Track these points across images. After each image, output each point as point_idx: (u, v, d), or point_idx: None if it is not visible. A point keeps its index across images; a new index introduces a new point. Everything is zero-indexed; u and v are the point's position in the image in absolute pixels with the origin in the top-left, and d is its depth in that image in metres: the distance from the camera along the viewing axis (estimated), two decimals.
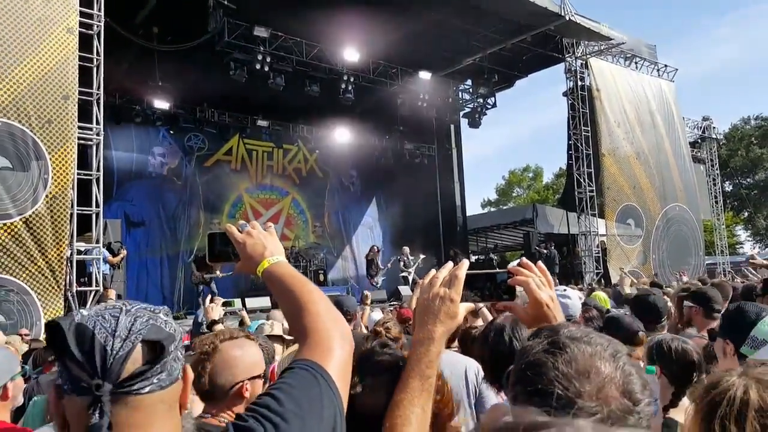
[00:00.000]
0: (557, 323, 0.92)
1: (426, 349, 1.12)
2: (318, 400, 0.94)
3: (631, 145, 15.67)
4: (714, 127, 21.64)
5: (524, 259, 1.29)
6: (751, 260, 4.79)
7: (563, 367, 0.80)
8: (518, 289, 1.27)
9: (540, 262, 1.29)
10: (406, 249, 13.93)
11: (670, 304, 3.91)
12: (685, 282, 8.52)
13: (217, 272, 11.86)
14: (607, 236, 14.95)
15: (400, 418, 1.04)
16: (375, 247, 14.44)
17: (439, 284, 1.19)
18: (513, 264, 1.32)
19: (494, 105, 17.10)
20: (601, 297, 5.65)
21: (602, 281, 14.16)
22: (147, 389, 0.80)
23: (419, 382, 1.09)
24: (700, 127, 20.96)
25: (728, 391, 1.06)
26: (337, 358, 1.03)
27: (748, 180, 36.07)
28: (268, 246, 1.26)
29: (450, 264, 1.24)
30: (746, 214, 36.49)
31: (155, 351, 0.82)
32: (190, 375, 0.91)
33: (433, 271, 1.24)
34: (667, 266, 15.96)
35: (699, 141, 21.14)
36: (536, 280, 1.23)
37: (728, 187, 34.12)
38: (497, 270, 1.30)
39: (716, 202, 20.95)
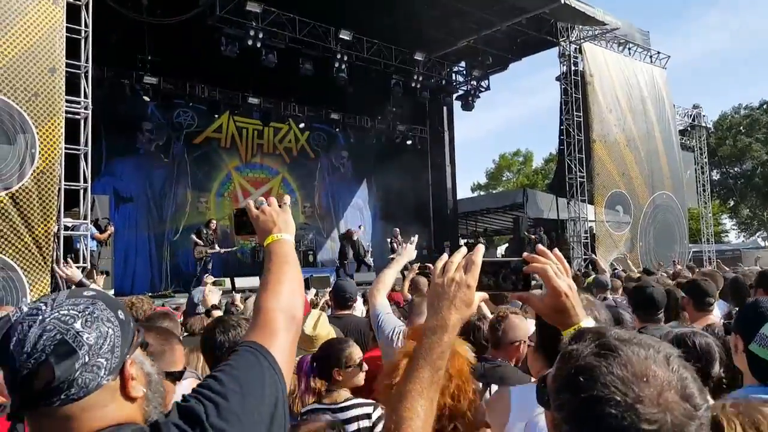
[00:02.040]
0: (599, 326, 0.86)
1: (439, 338, 1.05)
2: (259, 379, 0.99)
3: (621, 132, 15.72)
4: (704, 116, 21.75)
5: (540, 246, 1.23)
6: None
7: (619, 371, 0.73)
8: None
9: (556, 249, 1.23)
10: (397, 231, 13.93)
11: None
12: (678, 270, 8.62)
13: (218, 248, 11.85)
14: (596, 222, 15.07)
15: (408, 411, 0.99)
16: (350, 230, 14.28)
17: (454, 269, 1.11)
18: (527, 254, 1.23)
19: (488, 88, 17.04)
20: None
21: (590, 267, 14.32)
22: (57, 403, 0.87)
23: (430, 373, 1.03)
24: (690, 115, 21.06)
25: None
26: (281, 340, 1.09)
27: (736, 169, 36.46)
28: (277, 223, 1.36)
29: (464, 249, 1.17)
30: (732, 203, 36.97)
31: (59, 369, 0.86)
32: (130, 372, 0.95)
33: (445, 256, 1.16)
34: (653, 253, 16.16)
35: (689, 129, 21.25)
36: (554, 268, 1.15)
37: (716, 176, 34.48)
38: (512, 258, 1.22)
39: (704, 191, 21.18)
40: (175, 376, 1.61)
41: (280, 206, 1.41)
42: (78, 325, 0.89)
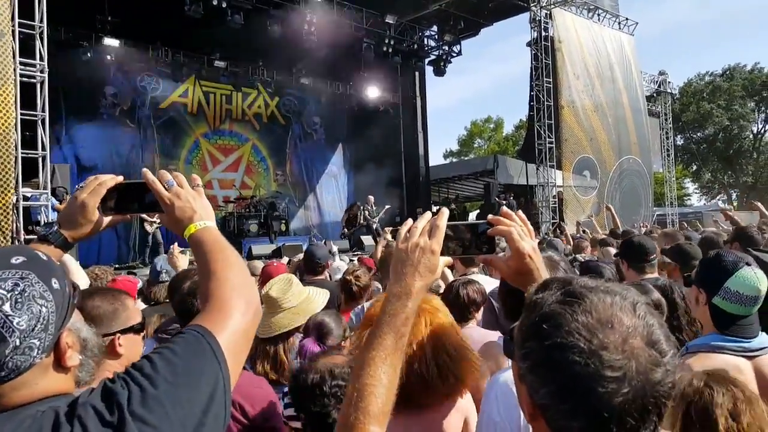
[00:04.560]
0: (567, 275, 0.84)
1: (402, 305, 1.02)
2: (198, 369, 0.91)
3: (589, 98, 15.89)
4: (669, 82, 22.13)
5: (504, 208, 1.22)
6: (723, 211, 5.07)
7: (583, 318, 0.72)
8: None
9: (520, 212, 1.22)
10: (371, 198, 13.92)
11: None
12: (649, 229, 8.91)
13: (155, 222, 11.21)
14: (564, 187, 15.35)
15: (371, 378, 0.96)
16: (358, 204, 14.31)
17: (419, 234, 1.08)
18: (491, 216, 1.23)
19: (459, 53, 16.90)
20: None
21: (557, 231, 14.65)
22: None
23: (393, 340, 1.00)
24: (657, 82, 21.39)
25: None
26: (233, 327, 1.00)
27: (698, 134, 37.39)
28: (197, 210, 1.22)
29: (428, 214, 1.13)
30: (694, 167, 38.07)
31: None
32: (65, 343, 0.91)
33: (410, 221, 1.13)
34: (619, 217, 16.57)
35: (655, 95, 21.62)
36: (518, 230, 1.14)
37: (680, 141, 35.32)
38: (476, 220, 1.21)
39: (668, 155, 21.71)
40: (135, 329, 1.57)
41: (193, 188, 1.26)
42: (7, 308, 0.82)
